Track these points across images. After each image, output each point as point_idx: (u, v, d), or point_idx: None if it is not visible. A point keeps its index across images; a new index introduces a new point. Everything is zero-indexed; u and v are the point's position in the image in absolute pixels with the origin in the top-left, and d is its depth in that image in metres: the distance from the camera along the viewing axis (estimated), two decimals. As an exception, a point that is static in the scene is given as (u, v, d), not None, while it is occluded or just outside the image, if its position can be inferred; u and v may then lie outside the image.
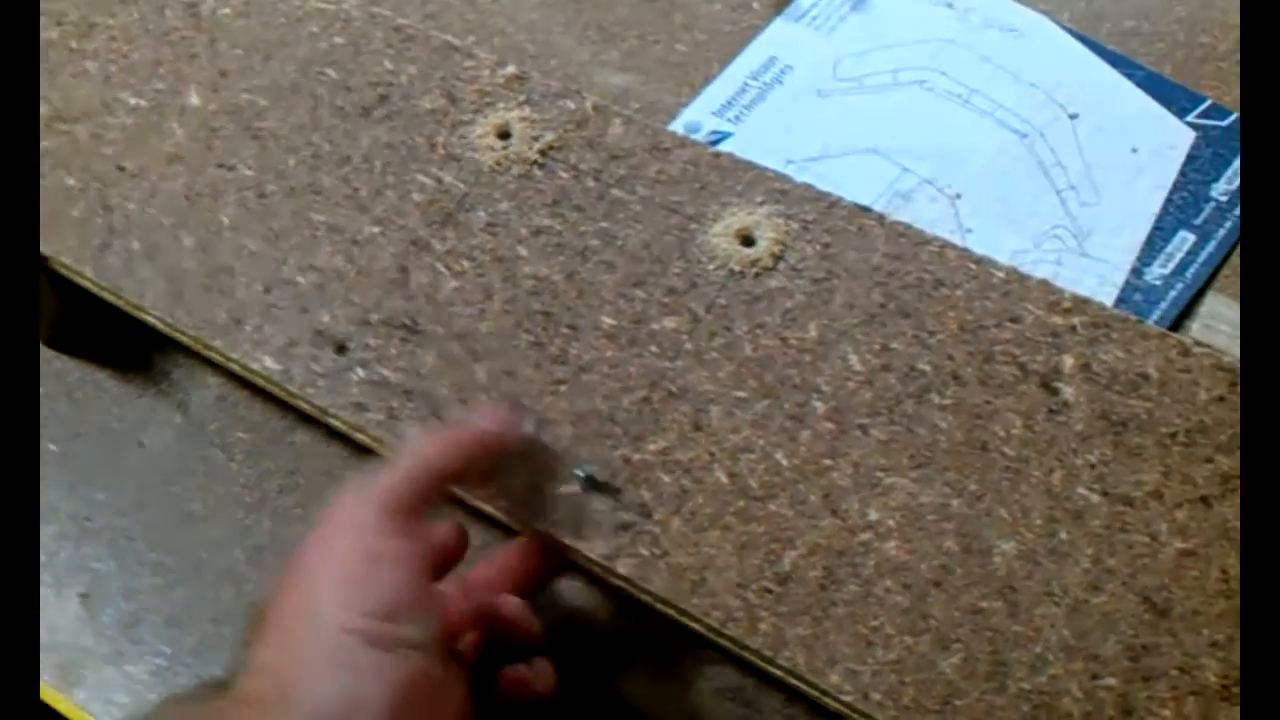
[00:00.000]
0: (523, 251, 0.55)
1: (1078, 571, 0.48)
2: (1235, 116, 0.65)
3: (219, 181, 0.58)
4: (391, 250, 0.56)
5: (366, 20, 0.62)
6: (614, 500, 0.50)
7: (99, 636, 0.56)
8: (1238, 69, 0.66)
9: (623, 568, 0.49)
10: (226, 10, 0.63)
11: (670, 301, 0.54)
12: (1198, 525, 0.48)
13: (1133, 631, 0.47)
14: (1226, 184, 0.63)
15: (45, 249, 0.56)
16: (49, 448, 0.60)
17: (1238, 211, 0.62)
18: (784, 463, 0.50)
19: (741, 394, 0.52)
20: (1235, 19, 0.68)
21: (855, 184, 0.62)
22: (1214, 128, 0.65)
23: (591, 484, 0.50)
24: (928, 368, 0.52)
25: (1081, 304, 0.53)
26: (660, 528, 0.49)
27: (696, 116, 0.66)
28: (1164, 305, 0.59)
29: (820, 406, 0.51)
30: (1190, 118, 0.65)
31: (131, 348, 0.62)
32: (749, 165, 0.57)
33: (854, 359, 0.52)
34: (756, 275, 0.54)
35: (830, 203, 0.56)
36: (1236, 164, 0.63)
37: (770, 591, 0.48)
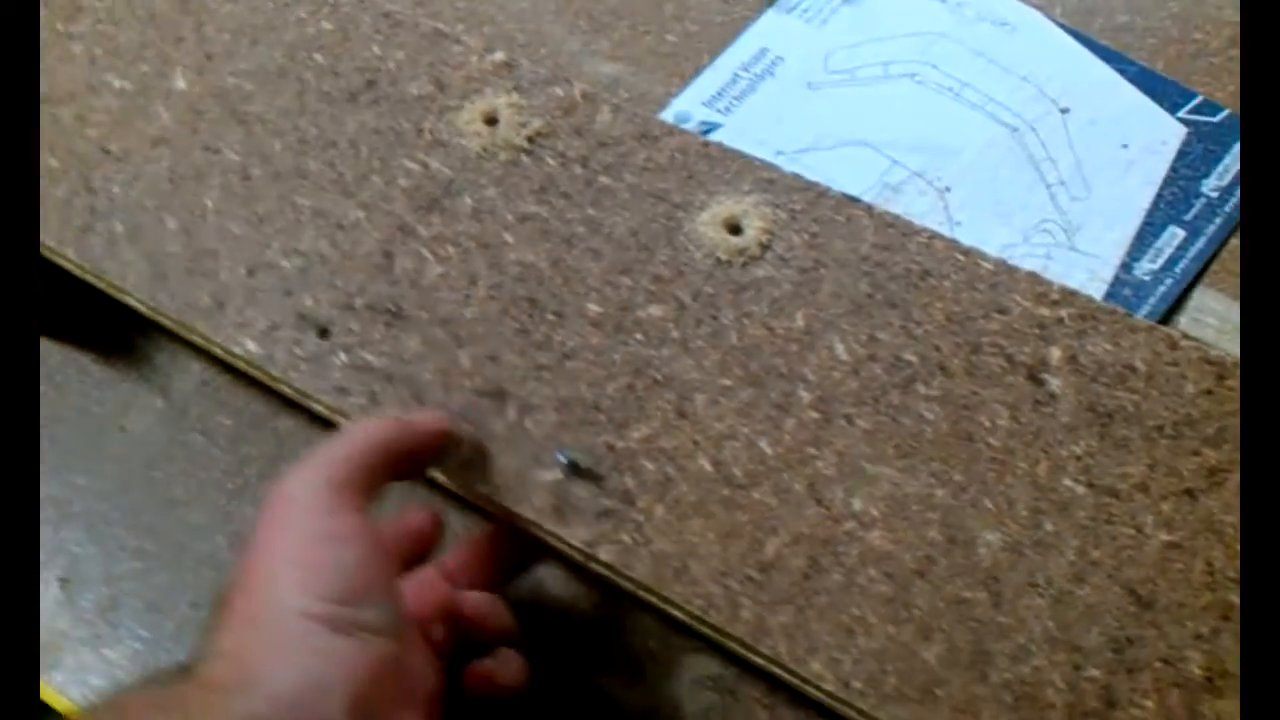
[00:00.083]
0: (509, 238, 0.55)
1: (1062, 563, 0.47)
2: (1227, 112, 0.64)
3: (204, 165, 0.58)
4: (376, 235, 0.55)
5: (355, 6, 0.62)
6: (596, 487, 0.50)
7: (77, 620, 0.55)
8: (1230, 65, 0.66)
9: (604, 554, 0.48)
10: (214, -6, 0.63)
11: (656, 289, 0.53)
12: (1183, 518, 0.48)
13: (1117, 623, 0.46)
14: (1217, 180, 0.63)
15: (28, 230, 0.56)
16: (30, 431, 0.59)
17: (1228, 207, 0.62)
18: (768, 451, 0.50)
19: (727, 382, 0.51)
20: (1228, 15, 0.67)
21: (845, 176, 0.62)
22: (1205, 124, 0.64)
23: (574, 470, 0.50)
24: (914, 358, 0.51)
25: (1069, 296, 0.52)
26: (643, 515, 0.49)
27: (686, 107, 0.66)
28: (1153, 300, 0.59)
29: (806, 396, 0.51)
30: (1182, 113, 0.65)
31: (114, 332, 0.62)
32: (737, 154, 0.56)
33: (840, 349, 0.52)
34: (744, 264, 0.54)
35: (818, 192, 0.55)
36: (1227, 160, 0.63)
37: (753, 579, 0.48)
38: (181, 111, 0.59)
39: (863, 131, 0.65)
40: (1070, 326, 0.52)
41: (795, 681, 0.47)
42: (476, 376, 0.52)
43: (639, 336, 0.52)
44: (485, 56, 0.59)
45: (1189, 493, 0.48)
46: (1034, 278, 0.53)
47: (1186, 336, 0.52)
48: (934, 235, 0.54)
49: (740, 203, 0.55)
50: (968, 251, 0.53)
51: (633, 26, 0.69)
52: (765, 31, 0.69)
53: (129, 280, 0.55)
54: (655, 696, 0.53)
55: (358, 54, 0.60)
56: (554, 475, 0.50)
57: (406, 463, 0.46)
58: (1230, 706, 0.45)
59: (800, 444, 0.50)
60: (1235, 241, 0.60)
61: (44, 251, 0.56)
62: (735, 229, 0.54)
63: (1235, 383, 0.50)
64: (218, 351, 0.55)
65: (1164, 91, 0.66)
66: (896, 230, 0.54)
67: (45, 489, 0.58)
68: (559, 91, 0.58)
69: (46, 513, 0.57)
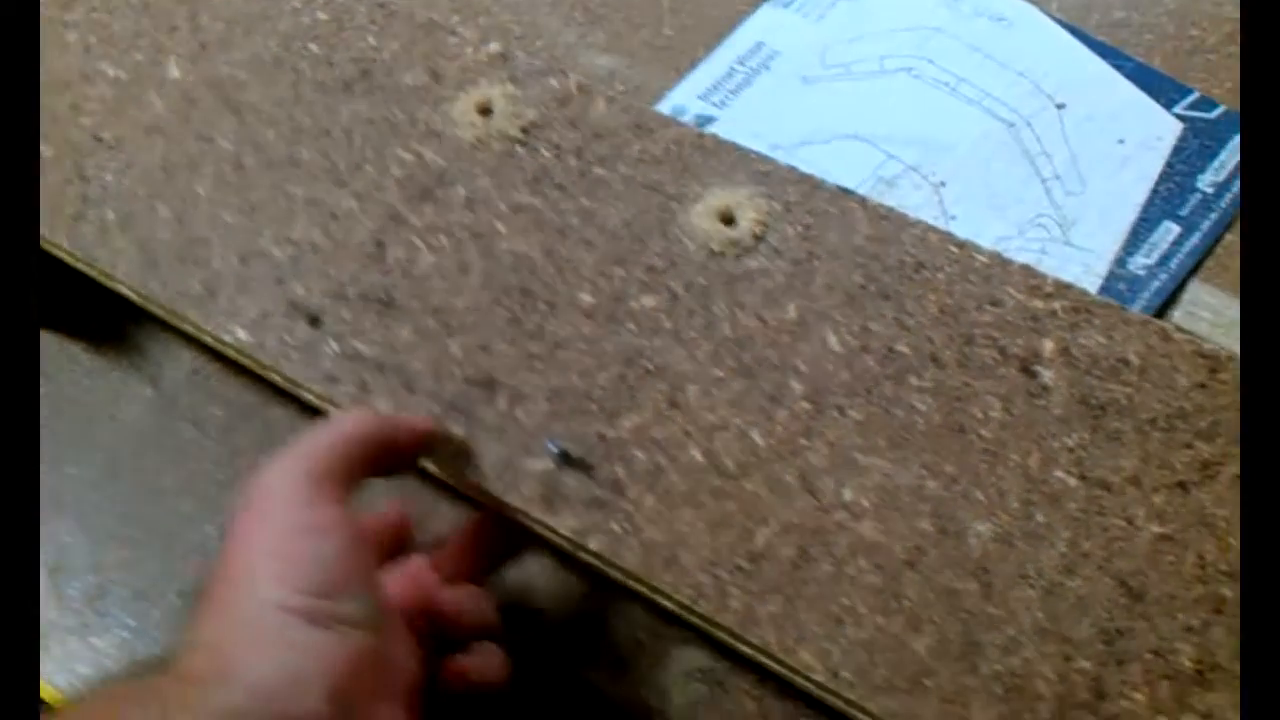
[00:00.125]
0: (501, 228, 0.55)
1: (1053, 554, 0.47)
2: (1223, 109, 0.64)
3: (197, 153, 0.58)
4: (369, 224, 0.55)
5: (350, -4, 0.62)
6: (587, 476, 0.49)
7: (65, 609, 0.55)
8: (1227, 62, 0.66)
9: (594, 543, 0.48)
10: (209, -17, 0.63)
11: (649, 280, 0.53)
12: (1175, 511, 0.48)
13: (1107, 615, 0.46)
14: (1213, 175, 0.63)
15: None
16: (21, 420, 0.59)
17: (1223, 203, 0.62)
18: (760, 442, 0.50)
19: (719, 373, 0.51)
20: (1225, 11, 0.67)
21: (840, 170, 0.62)
22: (1201, 120, 0.64)
23: (564, 459, 0.49)
24: (907, 350, 0.51)
25: (1063, 289, 0.52)
26: (633, 505, 0.49)
27: (682, 100, 0.66)
28: (1147, 295, 0.59)
29: (798, 387, 0.51)
30: (1178, 109, 0.65)
31: (105, 321, 0.61)
32: (732, 146, 0.56)
33: (833, 340, 0.52)
34: (737, 255, 0.54)
35: (813, 184, 0.55)
36: (1223, 156, 0.63)
37: (742, 569, 0.48)
38: (175, 100, 0.59)
39: (858, 126, 0.65)
40: (1064, 319, 0.51)
41: (784, 672, 0.47)
42: (468, 366, 0.52)
43: (631, 327, 0.52)
44: (480, 47, 0.59)
45: (1181, 485, 0.48)
46: (1028, 270, 0.53)
47: (1180, 330, 0.52)
48: (928, 228, 0.54)
49: (734, 194, 0.55)
50: (962, 244, 0.53)
51: (628, 19, 0.69)
52: (762, 25, 0.69)
53: (120, 268, 0.55)
54: (644, 688, 0.53)
55: (352, 44, 0.60)
56: (544, 464, 0.50)
57: (388, 458, 0.46)
58: (1221, 699, 0.45)
59: (792, 435, 0.50)
60: (1230, 237, 0.60)
61: (36, 239, 0.56)
62: (729, 220, 0.54)
63: (1229, 376, 0.50)
64: (208, 340, 0.55)
65: (1160, 87, 0.65)
66: (890, 222, 0.54)
67: (36, 478, 0.58)
68: (554, 83, 0.58)
69: (36, 501, 0.57)
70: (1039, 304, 0.52)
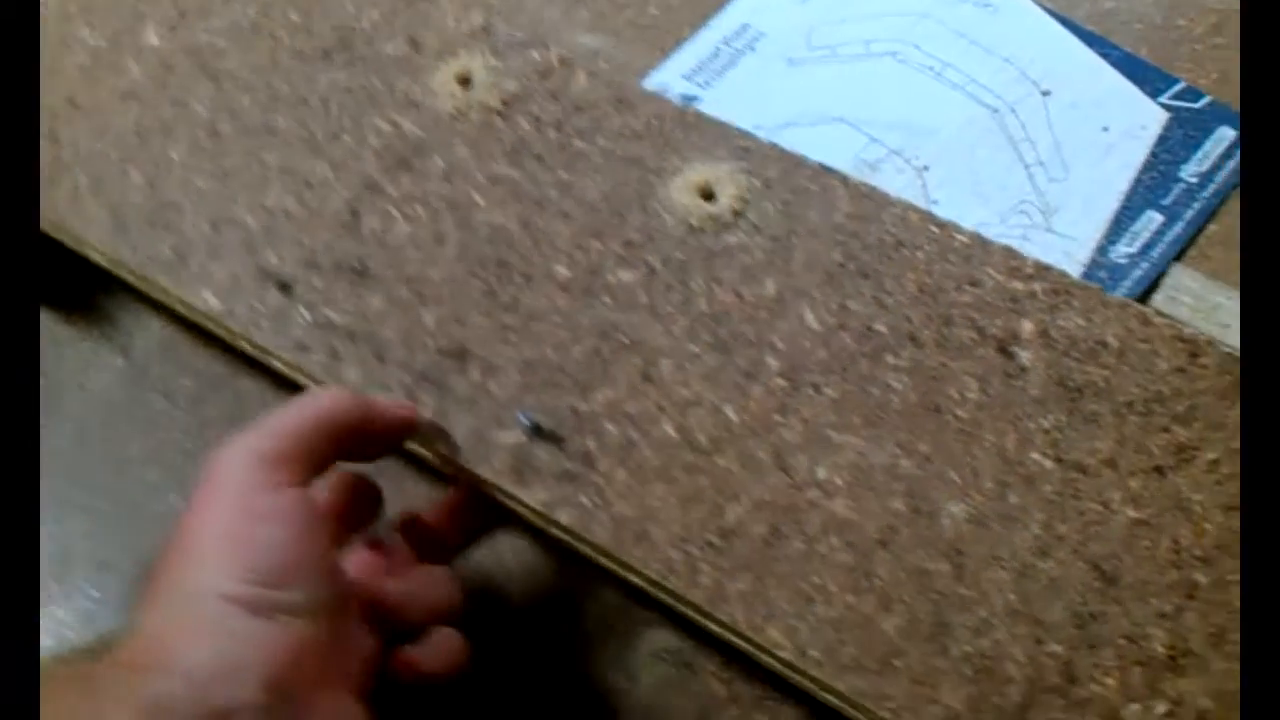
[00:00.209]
0: (479, 199, 0.54)
1: (1027, 536, 0.47)
2: (1209, 99, 0.64)
3: (171, 119, 0.57)
4: (344, 193, 0.54)
5: (331, -36, 0.61)
6: (558, 449, 0.49)
7: (28, 577, 0.54)
8: (1213, 52, 0.65)
9: (563, 517, 0.48)
10: (189, -50, 0.62)
11: (627, 254, 0.53)
12: (1151, 495, 0.47)
13: (1080, 599, 0.46)
14: (1197, 166, 0.62)
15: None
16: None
17: (1206, 193, 0.61)
18: (734, 418, 0.49)
19: (694, 348, 0.51)
20: (1212, 2, 0.67)
21: (823, 153, 0.61)
22: (1187, 110, 0.64)
23: (535, 431, 0.49)
24: (884, 328, 0.51)
25: (1043, 271, 0.52)
26: (604, 479, 0.48)
27: (666, 80, 0.65)
28: (1128, 284, 0.58)
29: (774, 363, 0.50)
30: (1163, 99, 0.64)
31: (76, 290, 0.61)
32: (714, 122, 0.56)
33: (810, 317, 0.51)
34: (716, 231, 0.53)
35: (794, 161, 0.55)
36: (1207, 146, 0.63)
37: (713, 545, 0.47)
38: (152, 66, 0.59)
39: (842, 108, 0.64)
40: (1043, 301, 0.51)
41: (751, 650, 0.47)
42: (440, 336, 0.51)
43: (607, 300, 0.52)
44: (462, 19, 0.59)
45: (1158, 470, 0.48)
46: (1008, 251, 0.52)
47: (1160, 314, 0.51)
48: (908, 207, 0.53)
49: (715, 170, 0.54)
50: (942, 224, 0.53)
51: (614, -2, 0.69)
52: (748, 7, 0.68)
53: (90, 232, 0.54)
54: (611, 669, 0.52)
55: (332, 12, 0.59)
56: (515, 437, 0.49)
57: (358, 442, 0.45)
58: (1192, 685, 0.44)
59: (766, 411, 0.49)
60: (1213, 227, 0.60)
61: (6, 202, 0.55)
62: (709, 196, 0.54)
63: (1208, 361, 0.49)
64: (178, 307, 0.54)
65: (1146, 76, 0.65)
66: (871, 201, 0.53)
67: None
68: (535, 55, 0.57)
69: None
70: (1018, 285, 0.51)
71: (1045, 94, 0.65)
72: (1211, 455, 0.48)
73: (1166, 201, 0.61)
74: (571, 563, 0.52)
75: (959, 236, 0.53)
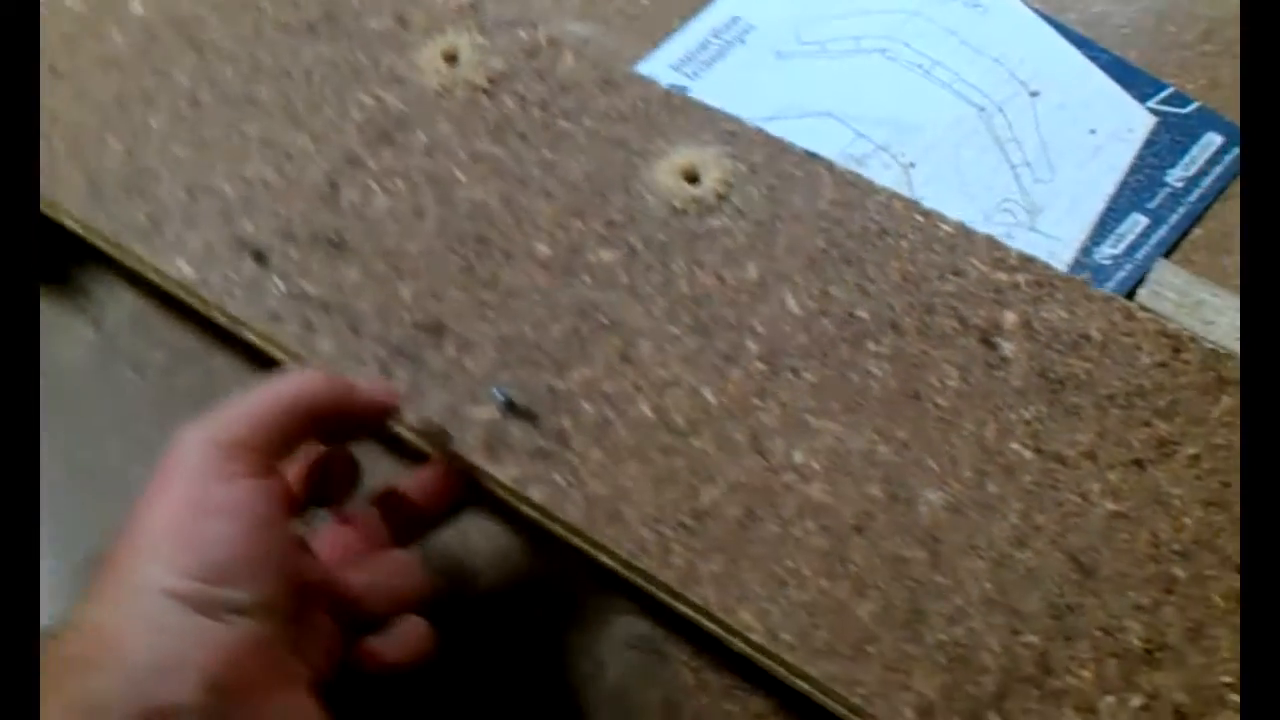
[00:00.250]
0: (460, 175, 0.54)
1: (1005, 526, 0.46)
2: (1196, 105, 0.64)
3: (152, 88, 0.56)
4: (324, 165, 0.54)
5: (319, -60, 0.61)
6: (532, 426, 0.48)
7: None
8: (1201, 59, 0.65)
9: (535, 494, 0.47)
10: (176, -79, 0.62)
11: (608, 234, 0.52)
12: (1130, 488, 0.47)
13: (1057, 590, 0.45)
14: (1183, 171, 0.62)
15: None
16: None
17: (1192, 198, 0.61)
18: (711, 400, 0.49)
19: (674, 329, 0.50)
20: (1201, 9, 0.67)
21: (809, 146, 0.60)
22: (1174, 115, 0.64)
23: (510, 408, 0.48)
24: (866, 315, 0.50)
25: (1027, 262, 0.51)
26: (578, 457, 0.48)
27: (654, 70, 0.65)
28: (1112, 285, 0.58)
29: (753, 347, 0.50)
30: (1151, 103, 0.64)
31: (49, 260, 0.60)
32: (700, 106, 0.55)
33: (792, 302, 0.51)
34: (699, 214, 0.53)
35: (780, 147, 0.54)
36: (1194, 151, 0.63)
37: (686, 526, 0.46)
38: (135, 35, 0.58)
39: (830, 103, 0.64)
40: (1026, 292, 0.51)
41: (722, 634, 0.46)
42: (417, 310, 0.51)
43: (587, 279, 0.51)
44: (450, -2, 0.58)
45: (1138, 463, 0.47)
46: (992, 242, 0.52)
47: (1144, 309, 0.51)
48: (893, 195, 0.53)
49: (700, 153, 0.54)
50: (927, 213, 0.53)
51: (604, -13, 0.68)
52: None
53: (65, 198, 0.54)
54: (579, 655, 0.51)
55: (318, -14, 0.59)
56: (489, 413, 0.48)
57: (333, 425, 0.43)
58: (1168, 679, 0.44)
59: (745, 394, 0.49)
60: (1198, 231, 0.60)
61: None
62: (693, 178, 0.53)
63: (1190, 357, 0.49)
64: (151, 276, 0.53)
65: (1134, 81, 0.65)
66: (856, 189, 0.53)
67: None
68: (523, 35, 0.57)
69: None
70: (1002, 276, 0.51)
71: (1033, 95, 0.64)
72: (1192, 450, 0.47)
73: (1152, 205, 0.61)
74: (542, 546, 0.52)
75: (943, 226, 0.52)
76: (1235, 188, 0.61)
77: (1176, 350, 0.49)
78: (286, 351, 0.50)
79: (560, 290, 0.51)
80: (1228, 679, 0.43)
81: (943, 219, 0.52)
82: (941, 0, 0.68)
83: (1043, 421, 0.48)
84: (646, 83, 0.56)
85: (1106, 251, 0.59)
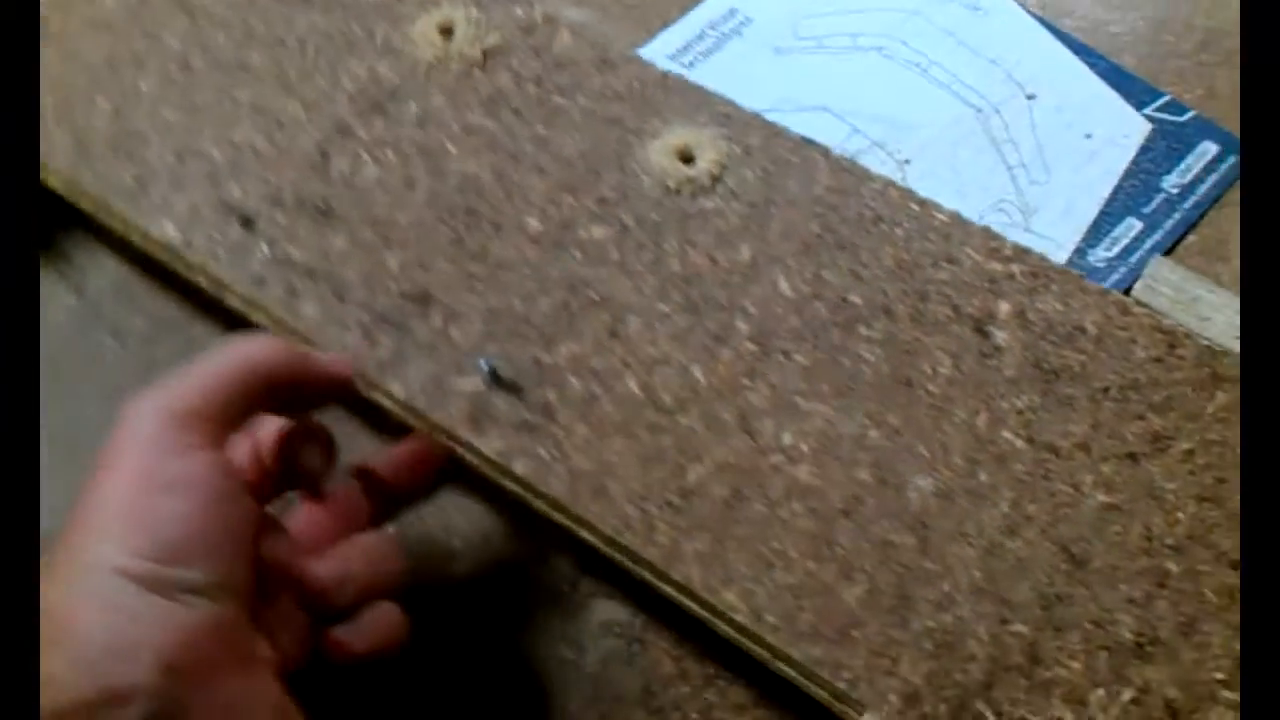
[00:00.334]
0: (452, 148, 0.53)
1: (996, 514, 0.45)
2: (1193, 113, 0.64)
3: (143, 50, 0.56)
4: (314, 134, 0.53)
5: (316, -89, 0.60)
6: (517, 399, 0.47)
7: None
8: (1198, 69, 0.65)
9: (519, 467, 0.46)
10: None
11: (600, 211, 0.51)
12: (1123, 481, 0.46)
13: (1047, 580, 0.44)
14: (1178, 178, 0.62)
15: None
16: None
17: (1187, 205, 0.61)
18: (700, 379, 0.48)
19: (664, 308, 0.49)
20: (1198, 20, 0.67)
21: (804, 139, 0.61)
22: (1170, 123, 0.64)
23: (495, 379, 0.47)
24: (859, 300, 0.50)
25: (1022, 253, 0.51)
26: (563, 431, 0.47)
27: (651, 58, 0.64)
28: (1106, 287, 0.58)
29: (744, 327, 0.49)
30: (1148, 110, 0.64)
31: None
32: (696, 88, 0.55)
33: (784, 285, 0.50)
34: (692, 194, 0.52)
35: (775, 131, 0.54)
36: (1189, 159, 0.62)
37: (671, 504, 0.45)
38: None
39: (827, 98, 0.63)
40: (1021, 283, 0.50)
41: (706, 615, 0.45)
42: (403, 280, 0.50)
43: (577, 255, 0.50)
44: (447, -27, 0.58)
45: (1131, 456, 0.47)
46: (988, 232, 0.51)
47: (1139, 303, 0.50)
48: (889, 183, 0.52)
49: (696, 134, 0.53)
50: (922, 202, 0.52)
51: (603, -25, 0.68)
52: (736, -7, 0.68)
53: (51, 157, 0.53)
54: (558, 639, 0.50)
55: (315, -43, 0.58)
56: (474, 384, 0.47)
57: (288, 394, 0.41)
58: (1159, 674, 0.43)
59: (734, 375, 0.48)
60: (1192, 238, 0.60)
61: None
62: (687, 159, 0.53)
63: (1185, 353, 0.49)
64: (135, 238, 0.52)
65: (1131, 88, 0.65)
66: (852, 175, 0.53)
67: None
68: (519, 11, 0.57)
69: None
70: (997, 266, 0.51)
71: (1030, 98, 0.64)
72: (1186, 445, 0.47)
73: (1147, 210, 0.60)
74: (523, 525, 0.51)
75: (939, 215, 0.52)
76: (1230, 196, 0.61)
77: (1172, 346, 0.49)
78: (270, 316, 0.49)
79: (550, 265, 0.50)
80: (1220, 675, 0.43)
81: (938, 208, 0.52)
82: (940, 1, 0.67)
83: (1035, 412, 0.47)
84: (643, 63, 0.55)
85: (1100, 254, 0.59)
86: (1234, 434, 0.47)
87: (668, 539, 0.45)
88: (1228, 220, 0.59)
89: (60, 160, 0.52)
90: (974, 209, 0.60)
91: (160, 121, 0.53)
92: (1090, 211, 0.60)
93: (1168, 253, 0.59)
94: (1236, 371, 0.48)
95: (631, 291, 0.49)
